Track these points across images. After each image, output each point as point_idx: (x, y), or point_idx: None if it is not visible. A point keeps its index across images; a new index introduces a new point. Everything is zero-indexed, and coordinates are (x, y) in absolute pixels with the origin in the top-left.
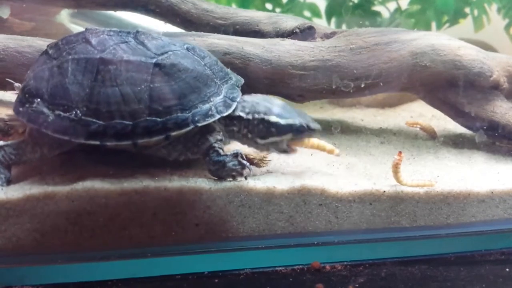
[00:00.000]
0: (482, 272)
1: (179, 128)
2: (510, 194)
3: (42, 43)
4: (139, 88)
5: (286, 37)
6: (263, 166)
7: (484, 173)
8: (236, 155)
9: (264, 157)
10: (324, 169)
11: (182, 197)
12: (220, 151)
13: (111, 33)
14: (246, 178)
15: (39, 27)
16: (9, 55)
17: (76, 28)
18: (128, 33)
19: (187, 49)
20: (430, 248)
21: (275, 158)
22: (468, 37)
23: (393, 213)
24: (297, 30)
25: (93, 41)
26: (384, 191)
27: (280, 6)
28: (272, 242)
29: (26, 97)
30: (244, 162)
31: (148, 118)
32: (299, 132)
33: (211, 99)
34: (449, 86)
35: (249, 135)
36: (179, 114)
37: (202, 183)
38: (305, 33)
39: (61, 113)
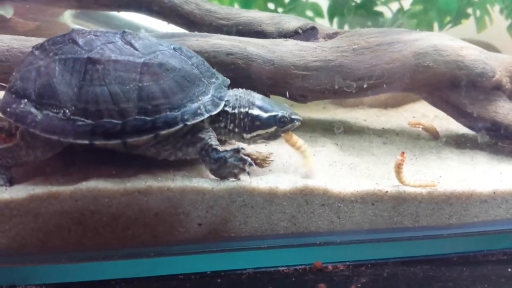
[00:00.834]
0: (485, 272)
1: (169, 126)
2: None
3: None
4: (127, 87)
5: (289, 38)
6: (266, 166)
7: (486, 173)
8: (236, 150)
9: (267, 157)
10: (326, 169)
11: (185, 197)
12: (219, 148)
13: (98, 33)
14: (249, 173)
15: (42, 27)
16: (13, 56)
17: (79, 28)
18: (115, 33)
19: (174, 49)
20: (433, 248)
21: (277, 158)
22: (470, 38)
23: (395, 213)
24: (300, 31)
25: (80, 41)
26: (387, 191)
27: (282, 6)
28: (275, 242)
29: (13, 97)
30: (245, 157)
31: (137, 117)
32: (283, 124)
33: (200, 98)
34: (451, 87)
35: (236, 130)
36: (168, 113)
37: (204, 183)
38: (308, 33)
39: (49, 112)
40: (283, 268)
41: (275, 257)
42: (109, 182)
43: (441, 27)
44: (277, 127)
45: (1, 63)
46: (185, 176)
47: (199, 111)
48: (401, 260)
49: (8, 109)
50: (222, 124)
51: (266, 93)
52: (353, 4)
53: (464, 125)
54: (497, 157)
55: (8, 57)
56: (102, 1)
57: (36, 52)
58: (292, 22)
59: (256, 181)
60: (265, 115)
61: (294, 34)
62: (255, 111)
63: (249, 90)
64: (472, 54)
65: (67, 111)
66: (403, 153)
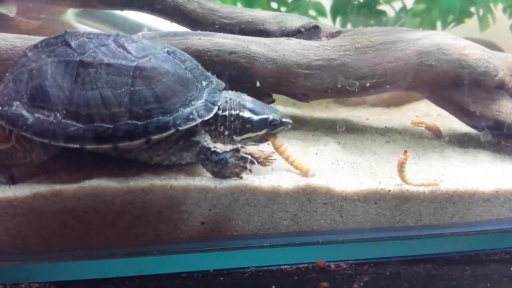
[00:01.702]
0: (487, 271)
1: (160, 131)
2: None
3: None
4: (119, 91)
5: (292, 36)
6: (268, 165)
7: (489, 172)
8: (236, 150)
9: (269, 156)
10: (329, 168)
11: (187, 195)
12: (218, 150)
13: (91, 36)
14: (251, 171)
15: (45, 26)
16: (16, 54)
17: (82, 27)
18: (108, 36)
19: (168, 52)
20: (435, 247)
21: (279, 157)
22: (473, 37)
23: (398, 212)
24: (303, 29)
25: (73, 44)
26: (389, 190)
27: (285, 5)
28: (277, 240)
29: (5, 99)
30: (246, 155)
31: (128, 121)
32: (273, 126)
33: (192, 103)
34: (454, 86)
35: (226, 132)
36: (160, 117)
37: (207, 181)
38: (311, 32)
39: (41, 115)
40: (285, 266)
41: (277, 256)
42: (112, 180)
43: (444, 26)
44: (268, 130)
45: (4, 62)
46: (188, 174)
47: (191, 116)
48: (404, 259)
49: (0, 112)
50: (213, 127)
51: (268, 92)
52: (356, 3)
53: (467, 124)
54: (500, 156)
55: (11, 56)
56: (105, 0)
57: (29, 54)
58: (295, 21)
59: (258, 179)
60: (256, 117)
61: (297, 33)
62: (246, 114)
63: (239, 92)
64: (475, 53)
65: (58, 114)
66: (405, 152)
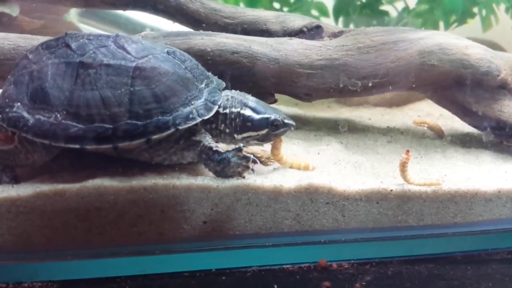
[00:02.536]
0: (489, 271)
1: (160, 131)
2: None
3: None
4: (119, 92)
5: (294, 36)
6: (270, 165)
7: (491, 172)
8: (238, 149)
9: (271, 155)
10: (331, 168)
11: (190, 194)
12: (219, 149)
13: (91, 37)
14: (253, 170)
15: (48, 26)
16: (20, 54)
17: (85, 27)
18: (108, 37)
19: (168, 52)
20: (437, 247)
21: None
22: (476, 37)
23: (400, 212)
24: (305, 29)
25: (73, 45)
26: (391, 190)
27: (287, 5)
28: (279, 240)
29: (6, 101)
30: (248, 154)
31: (128, 121)
32: (275, 127)
33: (192, 102)
34: (456, 85)
35: (227, 130)
36: (160, 117)
37: (210, 181)
38: (313, 32)
39: (41, 117)
40: (287, 266)
41: (279, 255)
42: (115, 179)
43: (447, 26)
44: (269, 130)
45: (8, 61)
46: (190, 174)
47: (191, 116)
48: (406, 258)
49: (1, 113)
50: (213, 125)
51: (271, 92)
52: (359, 3)
53: (469, 124)
54: (502, 156)
55: (14, 55)
56: (108, 0)
57: (30, 56)
58: (297, 21)
59: (261, 179)
60: (257, 116)
61: (299, 33)
62: (247, 112)
63: (244, 92)
64: (477, 53)
65: (58, 115)
66: (408, 151)
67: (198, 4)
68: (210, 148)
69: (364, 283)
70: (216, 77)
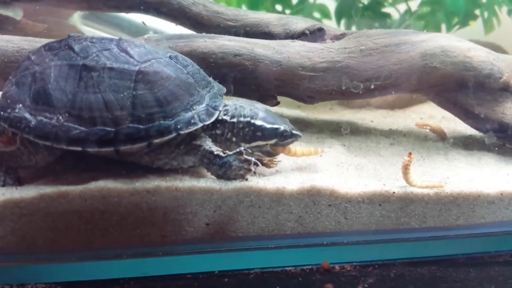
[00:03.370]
0: (492, 274)
1: (162, 135)
2: None
3: None
4: (121, 95)
5: (296, 39)
6: (273, 167)
7: (494, 174)
8: (239, 153)
9: (274, 158)
10: (333, 170)
11: (193, 196)
12: (221, 153)
13: (94, 40)
14: (255, 173)
15: (51, 29)
16: (23, 57)
17: (88, 30)
18: (111, 40)
19: (170, 57)
20: (440, 249)
21: (284, 159)
22: (478, 39)
23: (402, 214)
24: (307, 32)
25: (76, 48)
26: (394, 192)
27: (290, 7)
28: (282, 242)
29: (8, 102)
30: (249, 158)
31: (130, 125)
32: (283, 137)
33: (194, 107)
34: (459, 88)
35: (234, 139)
36: (161, 121)
37: (212, 183)
38: (315, 34)
39: (43, 118)
40: (290, 268)
41: (282, 257)
42: (119, 181)
43: (449, 29)
44: (278, 140)
45: (12, 64)
46: (193, 176)
47: (193, 121)
48: (408, 260)
49: (3, 114)
50: (219, 132)
51: (273, 94)
52: (361, 5)
53: (472, 126)
54: (504, 159)
55: (18, 58)
56: (111, 3)
57: (33, 57)
58: (300, 23)
59: (263, 181)
60: (268, 126)
61: (301, 35)
62: (258, 122)
63: (252, 101)
64: (479, 55)
65: (60, 117)
66: (410, 153)
67: (200, 7)
68: (211, 152)
69: (366, 285)
70: (217, 82)
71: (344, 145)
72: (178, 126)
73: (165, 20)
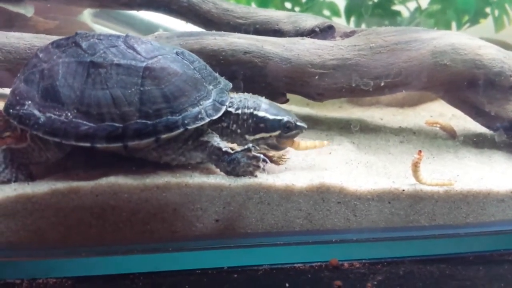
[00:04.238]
0: (501, 272)
1: (170, 131)
2: None
3: None
4: (129, 91)
5: (306, 36)
6: (282, 164)
7: (504, 172)
8: (248, 149)
9: (283, 154)
10: (343, 167)
11: (202, 193)
12: (229, 150)
13: (101, 37)
14: (264, 169)
15: (62, 26)
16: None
17: (99, 27)
18: (118, 37)
19: (177, 53)
20: (449, 247)
21: (293, 156)
22: (488, 37)
23: (412, 212)
24: (317, 29)
25: (84, 45)
26: (403, 190)
27: (299, 5)
28: (291, 239)
29: (17, 99)
30: (258, 155)
31: (138, 120)
32: (287, 129)
33: (201, 103)
34: (469, 86)
35: (238, 131)
36: (169, 117)
37: (222, 179)
38: (325, 32)
39: (52, 115)
40: (299, 265)
41: (291, 254)
42: (129, 177)
43: (459, 27)
44: (281, 132)
45: (23, 61)
46: (203, 172)
47: (200, 116)
48: (417, 258)
49: (12, 111)
50: (225, 124)
51: (282, 92)
52: (370, 3)
53: (482, 124)
54: None
55: (29, 55)
56: (122, 1)
57: (40, 55)
58: (309, 21)
59: (272, 178)
60: (270, 117)
61: (311, 33)
62: (261, 113)
63: (257, 95)
64: (490, 53)
65: (69, 113)
66: (420, 151)
67: (210, 4)
68: (220, 149)
69: (375, 283)
70: (223, 77)
71: (353, 143)
72: (186, 121)
73: (175, 18)
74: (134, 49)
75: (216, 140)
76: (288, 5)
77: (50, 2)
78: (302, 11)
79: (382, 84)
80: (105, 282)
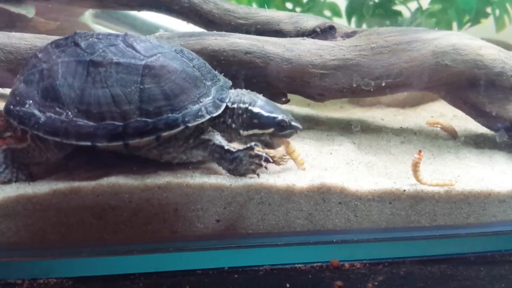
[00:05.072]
0: (502, 272)
1: (170, 128)
2: None
3: None
4: (129, 90)
5: (307, 37)
6: (283, 164)
7: (505, 173)
8: (250, 148)
9: (284, 155)
10: (343, 168)
11: (203, 193)
12: (231, 148)
13: (100, 36)
14: (266, 168)
15: (63, 27)
16: None
17: (100, 28)
18: (117, 36)
19: (176, 51)
20: (450, 248)
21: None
22: (489, 37)
23: (412, 212)
24: (318, 30)
25: (83, 44)
26: (404, 190)
27: (300, 5)
28: (292, 239)
29: (17, 99)
30: (260, 153)
31: (138, 118)
32: (281, 128)
33: (201, 100)
34: (470, 86)
35: (233, 125)
36: (169, 114)
37: (223, 180)
38: (326, 32)
39: (52, 114)
40: (300, 265)
41: (292, 254)
42: (130, 178)
43: (460, 27)
44: (275, 130)
45: (24, 61)
46: (204, 172)
47: (200, 113)
48: (418, 259)
49: (12, 111)
50: (221, 119)
51: (283, 92)
52: (371, 3)
53: (483, 124)
54: None
55: (30, 55)
56: (123, 1)
57: (40, 55)
58: (310, 21)
59: (273, 178)
60: (265, 114)
61: (312, 33)
62: (256, 109)
63: (255, 92)
64: (491, 53)
65: (69, 113)
66: (420, 151)
67: (211, 5)
68: (222, 147)
69: (376, 283)
70: (222, 75)
71: (354, 143)
72: (186, 119)
73: (176, 18)
74: (133, 48)
75: (218, 138)
76: (289, 5)
77: (51, 3)
78: (303, 11)
79: (383, 84)
80: (106, 282)
